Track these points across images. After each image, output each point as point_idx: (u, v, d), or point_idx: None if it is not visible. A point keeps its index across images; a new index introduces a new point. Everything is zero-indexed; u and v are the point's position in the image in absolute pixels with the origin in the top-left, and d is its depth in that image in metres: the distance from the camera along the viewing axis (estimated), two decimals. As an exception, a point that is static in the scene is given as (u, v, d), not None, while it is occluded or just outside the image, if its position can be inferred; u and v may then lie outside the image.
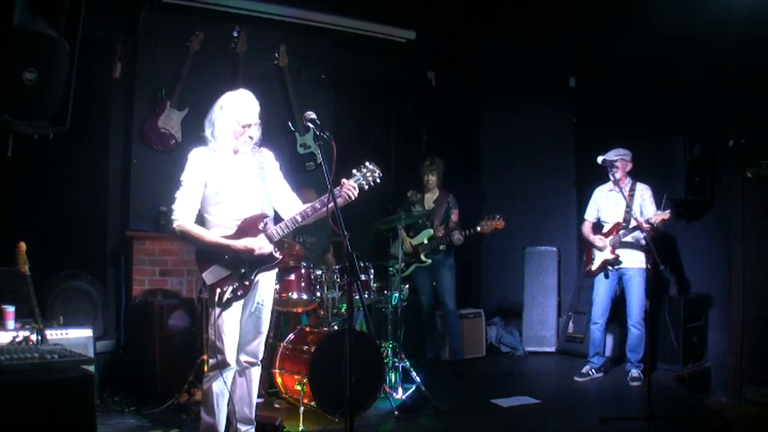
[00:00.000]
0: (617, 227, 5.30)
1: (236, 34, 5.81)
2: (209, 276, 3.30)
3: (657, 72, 6.06)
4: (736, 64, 5.45)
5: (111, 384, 4.71)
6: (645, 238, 4.41)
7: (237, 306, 3.34)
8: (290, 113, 6.12)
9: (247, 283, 3.31)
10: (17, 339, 3.32)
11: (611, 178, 4.95)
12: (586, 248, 5.59)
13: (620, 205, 5.31)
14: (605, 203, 5.47)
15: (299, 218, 3.36)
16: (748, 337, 5.50)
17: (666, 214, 4.93)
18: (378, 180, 3.36)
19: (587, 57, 6.84)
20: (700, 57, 5.69)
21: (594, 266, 5.41)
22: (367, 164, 3.36)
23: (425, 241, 5.72)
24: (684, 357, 5.61)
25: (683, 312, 5.63)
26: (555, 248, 6.79)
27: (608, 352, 5.86)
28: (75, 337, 4.04)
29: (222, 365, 3.28)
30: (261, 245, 3.30)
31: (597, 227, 5.55)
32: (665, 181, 5.70)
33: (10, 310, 3.88)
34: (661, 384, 5.02)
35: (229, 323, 3.31)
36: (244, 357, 3.43)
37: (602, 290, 5.43)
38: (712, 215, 5.86)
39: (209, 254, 3.31)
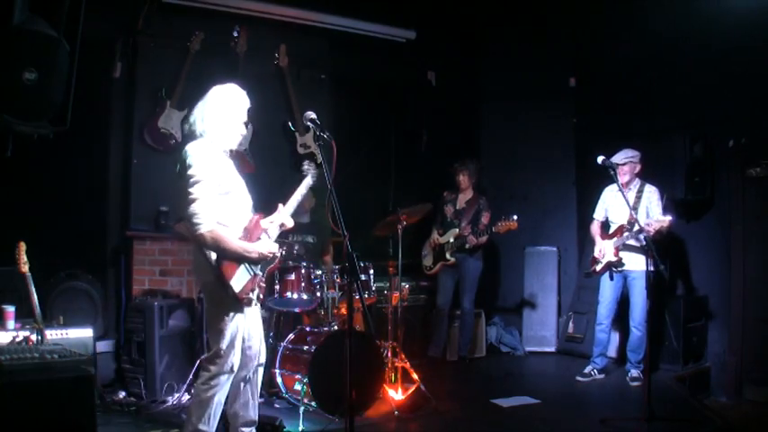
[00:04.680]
0: (621, 229, 5.27)
1: (236, 34, 5.81)
2: (237, 284, 3.13)
3: (657, 72, 6.06)
4: (736, 64, 5.43)
5: (111, 384, 4.70)
6: (644, 238, 4.40)
7: (246, 309, 3.26)
8: (290, 113, 6.12)
9: (262, 284, 3.29)
10: (17, 339, 3.32)
11: (615, 180, 4.73)
12: (594, 249, 5.57)
13: (626, 206, 5.29)
14: (613, 203, 5.44)
15: None
16: (748, 337, 5.49)
17: (666, 221, 4.88)
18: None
19: (587, 57, 6.83)
20: (700, 57, 5.68)
21: (599, 267, 5.40)
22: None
23: (451, 240, 5.83)
24: (684, 357, 5.61)
25: (683, 312, 5.62)
26: (555, 248, 6.79)
27: (610, 353, 5.85)
28: (75, 337, 4.05)
29: (230, 371, 3.21)
30: (271, 248, 3.29)
31: (605, 226, 5.53)
32: (665, 181, 5.69)
33: (10, 310, 3.88)
34: (661, 384, 5.01)
35: (240, 328, 3.23)
36: (249, 361, 3.39)
37: (608, 291, 5.40)
38: (712, 215, 5.85)
39: (232, 260, 3.15)
